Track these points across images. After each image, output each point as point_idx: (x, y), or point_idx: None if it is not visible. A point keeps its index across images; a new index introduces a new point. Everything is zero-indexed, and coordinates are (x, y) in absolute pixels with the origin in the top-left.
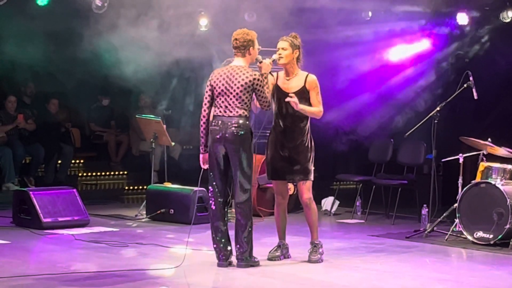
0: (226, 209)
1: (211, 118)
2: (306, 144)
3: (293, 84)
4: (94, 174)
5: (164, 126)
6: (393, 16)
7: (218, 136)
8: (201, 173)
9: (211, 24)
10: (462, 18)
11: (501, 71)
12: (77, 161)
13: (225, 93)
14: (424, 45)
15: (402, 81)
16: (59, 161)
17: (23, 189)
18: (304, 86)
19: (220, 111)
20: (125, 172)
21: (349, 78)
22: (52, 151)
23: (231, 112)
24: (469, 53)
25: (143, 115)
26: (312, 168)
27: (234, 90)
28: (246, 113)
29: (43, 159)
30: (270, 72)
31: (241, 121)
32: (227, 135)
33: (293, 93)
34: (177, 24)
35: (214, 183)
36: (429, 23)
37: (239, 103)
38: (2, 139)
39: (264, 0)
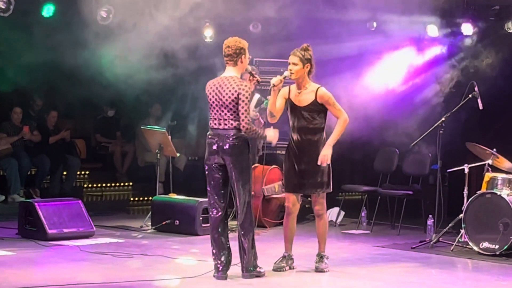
0: (226, 221)
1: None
2: None
3: (304, 97)
4: (99, 185)
5: (169, 137)
6: (398, 27)
7: (214, 148)
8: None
9: (216, 35)
10: (467, 29)
11: (506, 82)
12: (83, 172)
13: (217, 105)
14: (429, 55)
15: (408, 91)
16: (65, 172)
17: (28, 200)
18: (315, 100)
19: (215, 124)
20: (131, 183)
21: (354, 89)
22: (58, 163)
23: (226, 125)
24: (474, 63)
25: (148, 126)
26: (328, 180)
27: (224, 102)
28: None
29: (49, 170)
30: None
31: (237, 133)
32: (224, 147)
33: (305, 107)
34: (182, 35)
35: (213, 195)
36: (434, 33)
37: (231, 115)
38: (7, 150)
39: (269, 11)
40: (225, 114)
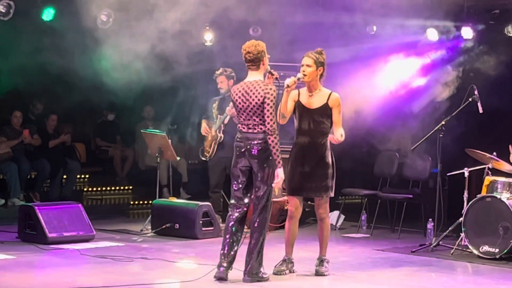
0: (243, 222)
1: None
2: (327, 160)
3: (315, 100)
4: (99, 189)
5: (169, 140)
6: (397, 30)
7: (242, 150)
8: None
9: (216, 39)
10: (467, 32)
11: (506, 85)
12: (83, 176)
13: (245, 110)
14: (428, 59)
15: (407, 95)
16: (65, 176)
17: (28, 204)
18: (327, 103)
19: (243, 128)
20: (131, 187)
21: (354, 93)
22: (58, 166)
23: (254, 129)
24: (474, 67)
25: (148, 130)
26: (332, 184)
27: (253, 107)
28: None
29: (49, 174)
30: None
31: (265, 138)
32: (252, 151)
33: (315, 109)
34: (183, 39)
35: (236, 197)
36: (433, 37)
37: (260, 119)
38: (7, 154)
39: (269, 15)
40: (254, 120)
